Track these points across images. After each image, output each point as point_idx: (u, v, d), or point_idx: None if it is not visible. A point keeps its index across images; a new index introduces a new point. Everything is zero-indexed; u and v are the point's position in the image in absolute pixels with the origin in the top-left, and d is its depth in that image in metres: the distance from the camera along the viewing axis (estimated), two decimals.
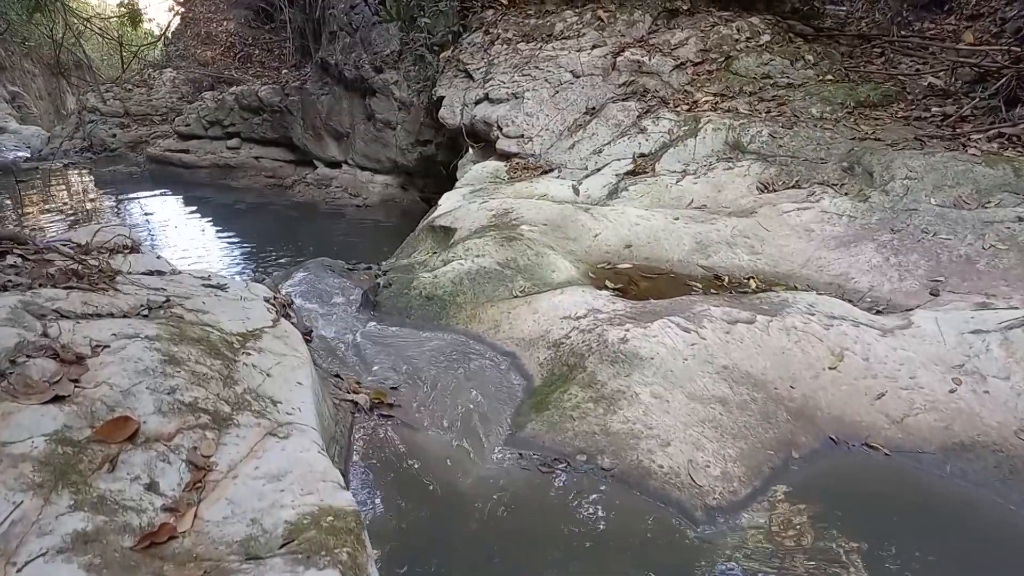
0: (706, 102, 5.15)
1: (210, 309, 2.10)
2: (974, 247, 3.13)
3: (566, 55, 5.92)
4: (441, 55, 6.75)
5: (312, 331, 2.91)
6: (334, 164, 9.33)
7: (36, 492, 1.16)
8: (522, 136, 5.42)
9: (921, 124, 4.45)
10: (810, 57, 5.57)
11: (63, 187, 10.77)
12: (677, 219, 3.86)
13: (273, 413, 1.67)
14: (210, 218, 8.49)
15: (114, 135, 12.46)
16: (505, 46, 6.33)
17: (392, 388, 2.53)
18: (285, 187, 9.85)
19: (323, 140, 9.24)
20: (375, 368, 2.70)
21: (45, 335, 1.59)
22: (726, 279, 3.38)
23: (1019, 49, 4.47)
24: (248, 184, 10.22)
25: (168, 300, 2.06)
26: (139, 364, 1.56)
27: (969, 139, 4.02)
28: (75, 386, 1.44)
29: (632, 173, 4.61)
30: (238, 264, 6.41)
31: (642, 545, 1.83)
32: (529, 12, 6.72)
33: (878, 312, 2.88)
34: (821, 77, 5.30)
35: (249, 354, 1.90)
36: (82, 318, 1.75)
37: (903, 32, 6.17)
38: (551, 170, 5.05)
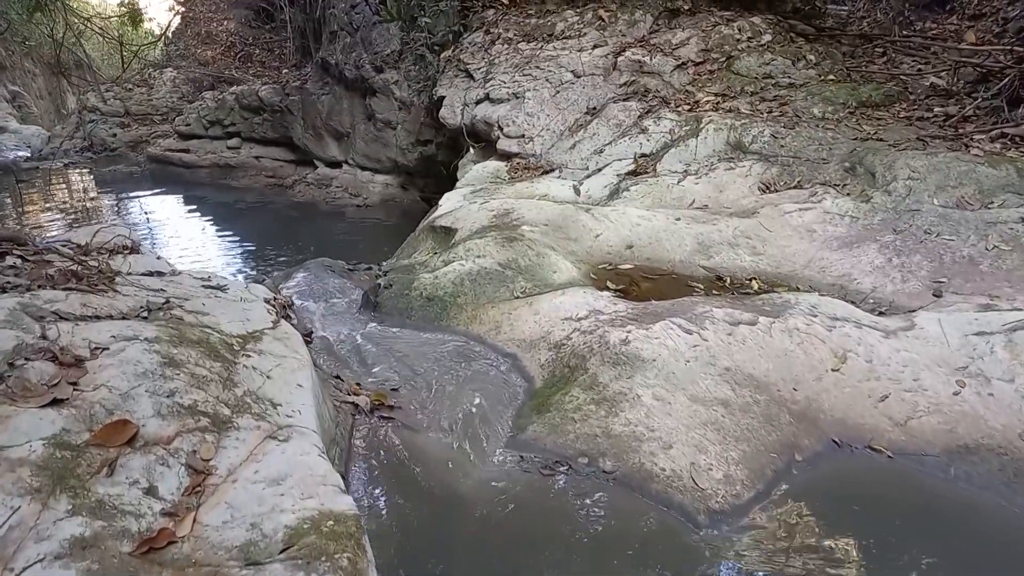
0: (707, 102, 5.14)
1: (210, 310, 2.09)
2: (977, 248, 3.12)
3: (567, 55, 5.91)
4: (442, 55, 6.73)
5: (312, 332, 2.90)
6: (334, 164, 9.32)
7: (34, 497, 1.15)
8: (523, 136, 5.41)
9: (923, 124, 4.43)
10: (812, 57, 5.56)
11: (63, 187, 10.77)
12: (679, 219, 3.85)
13: (273, 416, 1.66)
14: (210, 218, 8.49)
15: (114, 135, 12.45)
16: (506, 46, 6.32)
17: (393, 390, 2.52)
18: (285, 187, 9.84)
19: (323, 140, 9.23)
20: (375, 369, 2.69)
21: (44, 337, 1.58)
22: (728, 280, 3.37)
23: (1021, 49, 4.46)
24: (248, 184, 10.22)
25: (168, 301, 2.05)
26: (138, 367, 1.55)
27: (972, 139, 4.00)
28: (74, 389, 1.43)
29: (633, 173, 4.60)
30: (238, 264, 6.41)
31: (644, 548, 1.82)
32: (530, 12, 6.70)
33: (881, 313, 2.87)
34: (823, 77, 5.29)
35: (249, 356, 1.89)
36: (81, 320, 1.74)
37: (905, 32, 6.15)
38: (552, 170, 5.04)
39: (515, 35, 6.41)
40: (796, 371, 2.44)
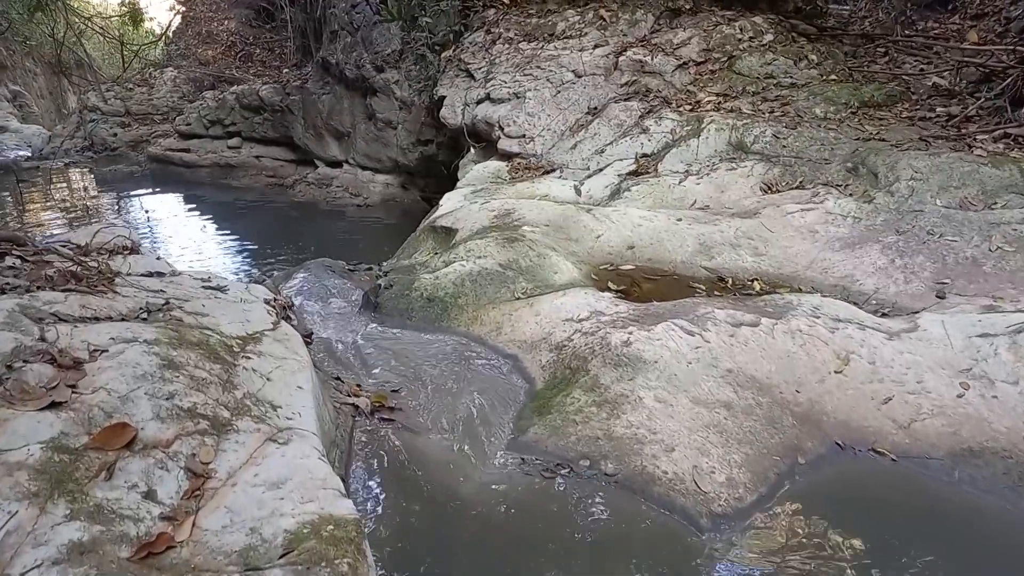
0: (709, 102, 5.12)
1: (210, 312, 2.08)
2: (980, 249, 3.10)
3: (568, 55, 5.89)
4: (442, 54, 6.72)
5: (313, 333, 2.89)
6: (335, 164, 9.31)
7: (32, 501, 1.14)
8: (524, 136, 5.40)
9: (926, 124, 4.42)
10: (813, 57, 5.54)
11: (64, 186, 10.77)
12: (680, 220, 3.84)
13: (273, 418, 1.65)
14: (211, 217, 8.48)
15: (115, 134, 12.45)
16: (507, 45, 6.30)
17: (393, 391, 2.51)
18: (286, 186, 9.83)
19: (324, 139, 9.22)
20: (376, 371, 2.68)
21: (43, 339, 1.57)
22: (730, 281, 3.36)
23: None
24: (249, 183, 10.21)
25: (167, 303, 2.04)
26: (137, 369, 1.54)
27: (975, 139, 3.98)
28: (72, 392, 1.42)
29: (634, 173, 4.58)
30: (238, 264, 6.40)
31: (646, 552, 1.80)
32: (531, 11, 6.69)
33: (884, 315, 2.85)
34: (825, 77, 5.27)
35: (249, 358, 1.88)
36: (80, 322, 1.73)
37: (907, 32, 6.14)
38: (553, 170, 5.02)
39: (516, 35, 6.40)
40: (799, 373, 2.43)
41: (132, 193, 10.10)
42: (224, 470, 1.40)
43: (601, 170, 4.79)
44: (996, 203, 3.37)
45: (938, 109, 4.60)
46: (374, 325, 3.10)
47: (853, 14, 7.07)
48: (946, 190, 3.50)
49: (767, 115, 4.76)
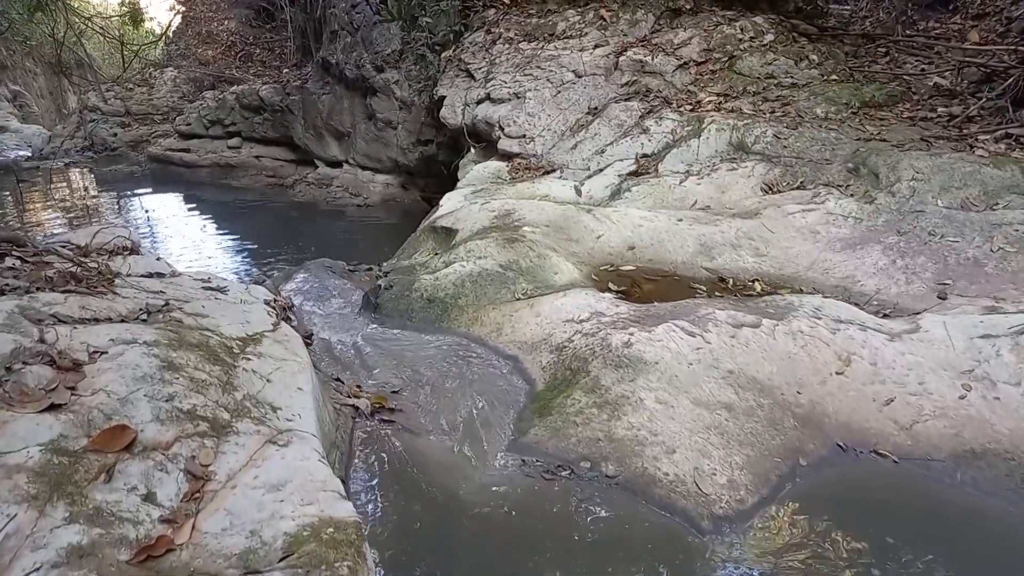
0: (709, 102, 5.11)
1: (210, 313, 2.08)
2: (982, 249, 3.09)
3: (568, 55, 5.88)
4: (442, 54, 6.71)
5: (313, 334, 2.89)
6: (335, 164, 9.31)
7: (31, 504, 1.13)
8: (524, 136, 5.39)
9: (927, 124, 4.41)
10: (814, 57, 5.53)
11: (64, 186, 10.76)
12: (680, 220, 3.83)
13: (273, 420, 1.64)
14: (211, 217, 8.48)
15: (115, 134, 12.45)
16: (507, 45, 6.29)
17: (393, 392, 2.51)
18: (286, 186, 9.82)
19: (324, 139, 9.22)
20: (376, 371, 2.68)
21: (42, 341, 1.56)
22: (730, 281, 3.35)
23: None
24: (249, 183, 10.21)
25: (167, 304, 2.03)
26: (137, 371, 1.54)
27: (976, 140, 3.98)
28: (72, 394, 1.41)
29: (635, 174, 4.58)
30: (238, 264, 6.39)
31: (647, 554, 1.80)
32: (531, 11, 6.68)
33: (885, 316, 2.85)
34: (825, 77, 5.26)
35: (249, 359, 1.87)
36: (80, 323, 1.73)
37: (908, 31, 6.13)
38: (553, 170, 5.02)
39: (516, 35, 6.39)
40: (800, 374, 2.42)
41: (132, 193, 10.09)
42: (224, 472, 1.40)
43: (601, 170, 4.78)
44: (998, 204, 3.36)
45: (939, 109, 4.59)
46: (374, 326, 3.10)
47: (854, 14, 7.06)
48: (947, 191, 3.50)
49: (768, 115, 4.75)
